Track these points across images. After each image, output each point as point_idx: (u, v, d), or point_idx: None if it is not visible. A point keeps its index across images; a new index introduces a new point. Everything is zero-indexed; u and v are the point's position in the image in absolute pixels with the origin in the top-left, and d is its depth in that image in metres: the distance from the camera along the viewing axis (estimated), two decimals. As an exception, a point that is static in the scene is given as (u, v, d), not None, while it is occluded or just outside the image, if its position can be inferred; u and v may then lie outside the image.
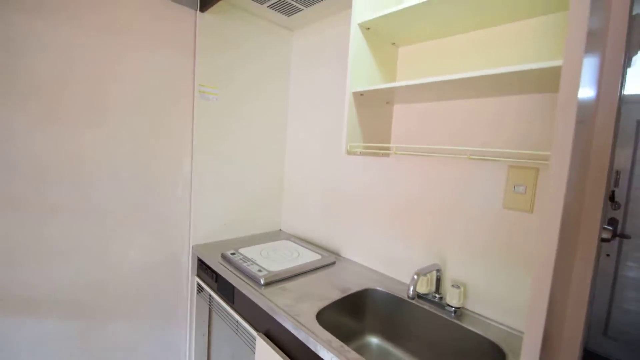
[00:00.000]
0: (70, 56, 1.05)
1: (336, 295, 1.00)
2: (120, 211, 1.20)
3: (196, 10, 1.31)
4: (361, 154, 1.03)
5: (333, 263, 1.28)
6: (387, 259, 1.20)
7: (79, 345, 1.15)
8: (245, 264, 1.15)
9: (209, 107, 1.39)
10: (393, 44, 1.09)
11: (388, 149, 0.97)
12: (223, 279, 1.16)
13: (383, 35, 1.03)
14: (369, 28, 0.97)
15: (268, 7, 1.34)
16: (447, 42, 1.00)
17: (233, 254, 1.25)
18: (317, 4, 1.28)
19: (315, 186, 1.52)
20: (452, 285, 0.94)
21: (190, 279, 1.42)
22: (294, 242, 1.48)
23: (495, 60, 0.89)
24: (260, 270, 1.10)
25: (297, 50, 1.62)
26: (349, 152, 1.00)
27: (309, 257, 1.28)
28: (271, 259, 1.24)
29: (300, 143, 1.62)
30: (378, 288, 1.07)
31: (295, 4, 1.29)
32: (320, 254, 1.31)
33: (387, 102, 1.13)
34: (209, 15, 1.33)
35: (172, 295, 1.39)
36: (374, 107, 1.08)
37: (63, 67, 1.04)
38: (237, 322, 1.11)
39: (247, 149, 1.54)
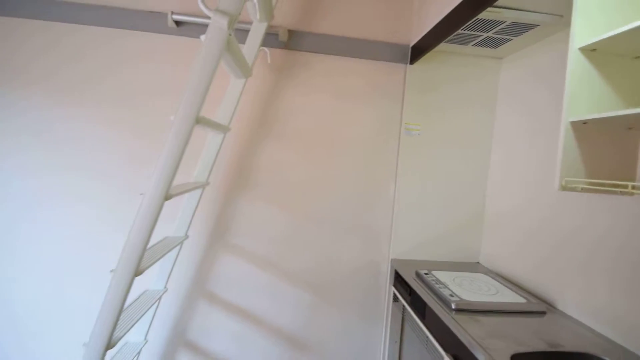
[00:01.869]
0: (318, 114, 1.59)
1: (540, 346, 0.90)
2: (341, 219, 1.63)
3: (406, 64, 1.59)
4: (583, 190, 0.89)
5: (542, 313, 1.12)
6: (620, 324, 0.92)
7: (309, 314, 1.64)
8: (437, 286, 1.24)
9: (411, 140, 1.61)
10: (637, 57, 0.88)
11: (625, 187, 0.78)
12: (416, 294, 1.31)
13: (619, 52, 0.87)
14: (594, 49, 0.86)
15: (472, 45, 1.42)
16: None
17: (427, 273, 1.37)
18: (528, 32, 1.22)
19: (524, 222, 1.38)
20: None
21: (388, 288, 1.67)
22: (493, 277, 1.40)
23: None
24: (452, 295, 1.16)
25: (505, 78, 1.56)
26: (563, 188, 0.90)
27: (509, 297, 1.19)
28: (464, 287, 1.26)
29: (506, 173, 1.52)
30: (605, 358, 0.86)
31: (501, 36, 1.30)
32: (526, 298, 1.18)
33: (630, 128, 0.90)
34: (416, 65, 1.57)
35: (373, 298, 1.68)
36: (606, 135, 0.91)
37: (313, 122, 1.59)
38: (427, 337, 1.21)
39: (447, 177, 1.64)
